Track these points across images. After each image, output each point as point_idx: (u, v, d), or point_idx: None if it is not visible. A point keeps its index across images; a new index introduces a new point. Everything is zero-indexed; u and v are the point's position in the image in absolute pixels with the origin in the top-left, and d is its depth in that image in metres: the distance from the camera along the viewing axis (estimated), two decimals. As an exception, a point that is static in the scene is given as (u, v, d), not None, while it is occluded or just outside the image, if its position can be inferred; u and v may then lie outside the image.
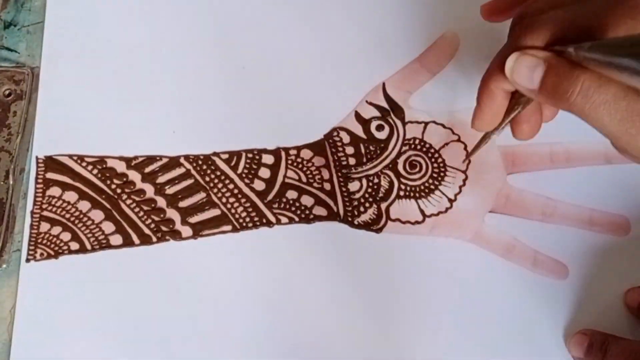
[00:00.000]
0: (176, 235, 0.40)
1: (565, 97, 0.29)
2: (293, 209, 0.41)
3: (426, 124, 0.42)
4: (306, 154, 0.42)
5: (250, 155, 0.41)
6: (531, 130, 0.35)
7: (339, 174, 0.41)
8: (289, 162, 0.41)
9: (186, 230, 0.40)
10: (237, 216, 0.40)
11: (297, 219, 0.40)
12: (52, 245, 0.39)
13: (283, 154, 0.41)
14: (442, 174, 0.41)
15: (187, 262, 0.40)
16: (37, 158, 0.41)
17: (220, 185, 0.41)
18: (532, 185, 0.41)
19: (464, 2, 0.44)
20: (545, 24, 0.30)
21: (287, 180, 0.41)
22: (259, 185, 0.41)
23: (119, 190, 0.41)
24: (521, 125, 0.35)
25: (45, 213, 0.40)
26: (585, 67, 0.28)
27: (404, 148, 0.42)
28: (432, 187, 0.41)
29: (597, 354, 0.37)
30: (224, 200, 0.41)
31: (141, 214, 0.40)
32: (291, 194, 0.41)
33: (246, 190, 0.41)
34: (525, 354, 0.39)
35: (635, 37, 0.26)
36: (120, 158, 0.41)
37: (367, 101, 0.42)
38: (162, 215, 0.40)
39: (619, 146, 0.30)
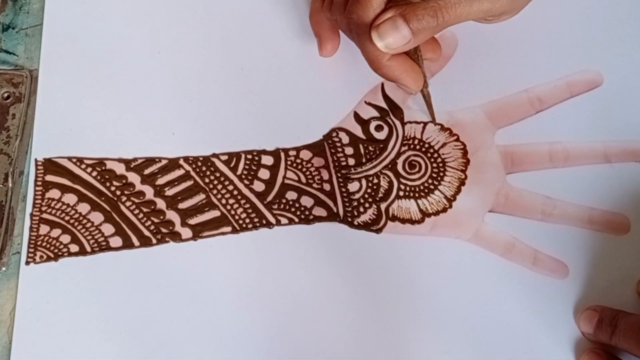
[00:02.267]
0: (176, 236, 0.40)
1: (435, 22, 0.33)
2: (293, 209, 0.41)
3: (425, 124, 0.42)
4: (305, 154, 0.42)
5: (249, 156, 0.41)
6: (437, 50, 0.39)
7: (339, 175, 0.41)
8: (289, 163, 0.41)
9: (186, 232, 0.40)
10: (236, 217, 0.40)
11: (296, 219, 0.40)
12: (52, 248, 0.39)
13: (282, 155, 0.41)
14: (441, 174, 0.41)
15: (187, 263, 0.40)
16: (36, 160, 0.41)
17: (219, 187, 0.41)
18: (532, 184, 0.41)
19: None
20: None
21: (286, 181, 0.41)
22: (259, 186, 0.41)
23: (118, 192, 0.41)
24: (428, 55, 0.39)
25: (44, 215, 0.40)
26: None
27: (403, 148, 0.42)
28: (432, 187, 0.41)
29: (606, 329, 0.37)
30: (223, 201, 0.41)
31: (141, 215, 0.40)
32: (291, 195, 0.41)
33: (246, 191, 0.41)
34: (525, 354, 0.39)
35: None
36: (120, 160, 0.41)
37: (366, 102, 0.42)
38: (161, 217, 0.40)
39: (491, 16, 0.35)
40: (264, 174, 0.41)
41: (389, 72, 0.37)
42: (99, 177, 0.41)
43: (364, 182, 0.41)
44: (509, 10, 0.36)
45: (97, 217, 0.40)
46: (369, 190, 0.41)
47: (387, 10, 0.34)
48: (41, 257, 0.39)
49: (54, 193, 0.40)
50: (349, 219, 0.40)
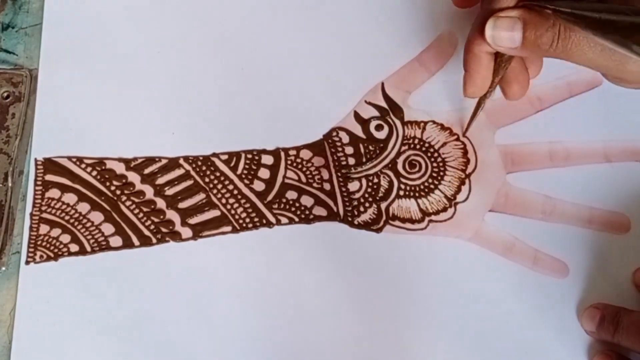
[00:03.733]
0: (176, 236, 0.40)
1: (547, 45, 0.31)
2: (293, 209, 0.41)
3: (425, 123, 0.42)
4: (306, 154, 0.42)
5: (249, 155, 0.41)
6: (521, 88, 0.37)
7: (339, 174, 0.41)
8: (289, 162, 0.41)
9: (186, 232, 0.40)
10: (237, 217, 0.40)
11: (297, 219, 0.40)
12: (52, 247, 0.39)
13: (282, 154, 0.41)
14: (441, 174, 0.41)
15: (187, 263, 0.40)
16: (36, 160, 0.41)
17: (219, 186, 0.41)
18: (532, 183, 0.41)
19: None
20: None
21: (286, 181, 0.41)
22: (259, 185, 0.41)
23: (118, 192, 0.40)
24: (511, 85, 0.37)
25: (44, 215, 0.40)
26: (556, 13, 0.30)
27: (404, 148, 0.42)
28: (432, 186, 0.41)
29: (609, 326, 0.37)
30: (223, 201, 0.41)
31: (141, 215, 0.40)
32: (291, 195, 0.41)
33: (246, 190, 0.41)
34: (525, 353, 0.39)
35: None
36: (120, 159, 0.41)
37: (366, 101, 0.42)
38: (161, 217, 0.40)
39: (611, 75, 0.33)
40: (264, 173, 0.41)
41: (470, 58, 0.36)
42: (98, 177, 0.41)
43: (364, 181, 0.41)
44: (626, 80, 0.33)
45: (97, 217, 0.40)
46: (369, 190, 0.41)
47: (516, 8, 0.33)
48: (41, 256, 0.39)
49: (54, 192, 0.40)
50: (349, 219, 0.40)
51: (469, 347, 0.39)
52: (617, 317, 0.37)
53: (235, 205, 0.40)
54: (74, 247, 0.40)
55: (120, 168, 0.41)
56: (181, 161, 0.41)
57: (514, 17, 0.32)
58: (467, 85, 0.37)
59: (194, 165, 0.41)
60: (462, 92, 0.38)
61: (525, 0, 0.32)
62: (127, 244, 0.40)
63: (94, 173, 0.41)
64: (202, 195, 0.41)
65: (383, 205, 0.41)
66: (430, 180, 0.41)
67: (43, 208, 0.40)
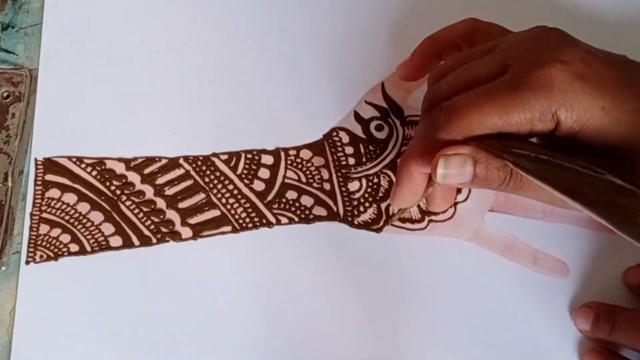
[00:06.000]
0: (176, 236, 0.40)
1: (498, 184, 0.31)
2: (293, 209, 0.41)
3: (425, 123, 0.42)
4: (305, 154, 0.42)
5: (249, 155, 0.41)
6: (445, 203, 0.39)
7: (339, 174, 0.41)
8: (289, 162, 0.41)
9: (186, 231, 0.40)
10: (236, 217, 0.40)
11: (297, 219, 0.40)
12: (52, 247, 0.39)
13: (282, 154, 0.41)
14: (441, 173, 0.41)
15: (187, 263, 0.40)
16: (36, 160, 0.41)
17: (219, 186, 0.41)
18: (532, 183, 0.41)
19: (462, 1, 0.44)
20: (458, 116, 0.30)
21: (286, 181, 0.41)
22: (259, 185, 0.41)
23: (118, 192, 0.40)
24: (436, 200, 0.38)
25: (44, 215, 0.40)
26: (502, 158, 0.30)
27: (404, 148, 0.42)
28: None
29: (604, 325, 0.37)
30: (223, 201, 0.41)
31: (141, 215, 0.40)
32: (291, 194, 0.41)
33: (246, 190, 0.41)
34: (525, 353, 0.39)
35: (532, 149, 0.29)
36: (120, 159, 0.41)
37: (366, 101, 0.42)
38: (161, 217, 0.40)
39: (560, 206, 0.34)
40: (264, 173, 0.41)
41: (406, 177, 0.35)
42: (98, 177, 0.41)
43: (364, 181, 0.41)
44: (565, 208, 0.34)
45: (97, 217, 0.40)
46: (369, 190, 0.41)
47: (464, 145, 0.31)
48: (41, 256, 0.39)
49: (54, 192, 0.40)
50: (349, 219, 0.40)
51: (468, 347, 0.39)
52: (613, 315, 0.37)
53: (235, 205, 0.40)
54: (74, 247, 0.40)
55: (120, 168, 0.41)
56: (181, 161, 0.41)
57: (464, 155, 0.31)
58: (395, 197, 0.36)
59: (194, 165, 0.41)
60: (389, 199, 0.39)
61: (472, 140, 0.30)
62: (127, 244, 0.40)
63: (94, 173, 0.41)
64: (202, 195, 0.41)
65: (383, 205, 0.41)
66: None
67: (43, 208, 0.40)
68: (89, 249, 0.40)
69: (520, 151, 0.29)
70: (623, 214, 0.27)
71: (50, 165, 0.41)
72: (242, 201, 0.41)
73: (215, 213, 0.40)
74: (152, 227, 0.40)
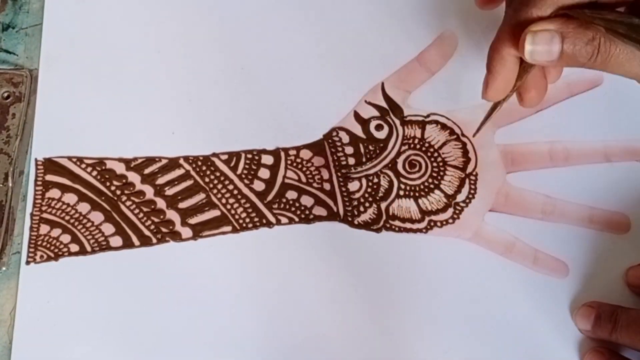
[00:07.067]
0: (176, 236, 0.40)
1: (586, 59, 0.31)
2: (293, 209, 0.41)
3: (425, 123, 0.42)
4: (305, 154, 0.42)
5: (249, 155, 0.41)
6: (539, 95, 0.36)
7: (339, 174, 0.41)
8: (289, 162, 0.41)
9: (186, 232, 0.40)
10: (237, 217, 0.40)
11: (297, 219, 0.40)
12: (52, 248, 0.39)
13: (282, 154, 0.41)
14: (441, 173, 0.41)
15: (187, 263, 0.40)
16: (36, 160, 0.41)
17: (219, 186, 0.41)
18: (532, 183, 0.41)
19: (462, 1, 0.44)
20: None
21: (286, 181, 0.41)
22: (259, 185, 0.41)
23: (118, 192, 0.41)
24: (530, 91, 0.36)
25: (44, 215, 0.40)
26: (594, 24, 0.30)
27: (404, 147, 0.42)
28: (432, 186, 0.41)
29: (606, 325, 0.37)
30: (223, 201, 0.41)
31: (141, 215, 0.40)
32: (291, 194, 0.41)
33: (246, 190, 0.41)
34: (526, 353, 0.39)
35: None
36: (120, 159, 0.41)
37: (366, 101, 0.42)
38: (161, 217, 0.40)
39: None
40: (264, 173, 0.41)
41: (496, 60, 0.34)
42: (99, 177, 0.41)
43: (364, 181, 0.41)
44: None
45: (97, 217, 0.40)
46: (369, 190, 0.41)
47: (552, 20, 0.31)
48: (41, 256, 0.39)
49: (54, 193, 0.40)
50: (349, 219, 0.40)
51: (468, 347, 0.39)
52: (615, 315, 0.37)
53: (235, 205, 0.41)
54: (74, 247, 0.40)
55: (120, 168, 0.41)
56: (181, 161, 0.41)
57: (552, 31, 0.31)
58: (489, 87, 0.35)
59: (194, 165, 0.41)
60: (482, 94, 0.36)
61: (563, 9, 0.31)
62: (128, 244, 0.40)
63: (94, 173, 0.41)
64: (202, 195, 0.41)
65: (383, 205, 0.41)
66: (430, 180, 0.41)
67: (43, 208, 0.40)
68: (89, 249, 0.40)
69: (612, 17, 0.29)
70: None
71: (50, 165, 0.41)
72: (242, 201, 0.41)
73: (215, 213, 0.40)
74: (152, 227, 0.40)
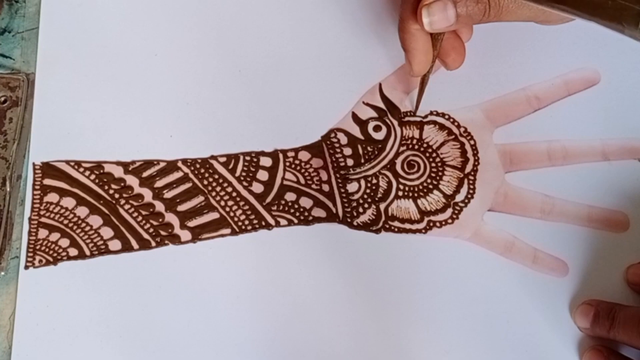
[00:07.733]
0: (175, 239, 0.40)
1: (480, 16, 0.34)
2: (292, 211, 0.41)
3: (423, 123, 0.42)
4: (304, 155, 0.42)
5: (248, 158, 0.41)
6: (459, 55, 0.40)
7: (337, 175, 0.41)
8: (287, 164, 0.41)
9: (185, 234, 0.40)
10: (236, 219, 0.40)
11: (296, 220, 0.40)
12: (51, 252, 0.39)
13: (281, 156, 0.41)
14: (440, 174, 0.41)
15: (186, 266, 0.40)
16: (34, 164, 0.41)
17: (218, 189, 0.41)
18: (530, 183, 0.41)
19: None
20: None
21: (285, 183, 0.41)
22: (258, 187, 0.41)
23: (117, 195, 0.40)
24: (449, 55, 0.39)
25: (43, 219, 0.40)
26: None
27: (402, 148, 0.42)
28: (431, 186, 0.41)
29: (604, 322, 0.37)
30: (222, 203, 0.40)
31: (139, 218, 0.40)
32: (290, 196, 0.41)
33: (244, 193, 0.41)
34: (526, 352, 0.39)
35: None
36: (118, 163, 0.41)
37: (363, 102, 0.42)
38: (160, 220, 0.40)
39: (542, 20, 0.36)
40: (263, 175, 0.41)
41: (408, 38, 0.37)
42: (97, 180, 0.41)
43: (362, 182, 0.41)
44: (551, 20, 0.37)
45: (95, 221, 0.40)
46: (368, 191, 0.41)
47: None
48: (40, 261, 0.39)
49: (52, 197, 0.40)
50: (348, 220, 0.40)
51: (469, 347, 0.39)
52: (613, 312, 0.37)
53: (234, 207, 0.40)
54: (73, 251, 0.39)
55: (118, 171, 0.41)
56: (179, 164, 0.41)
57: (444, 0, 0.34)
58: (412, 64, 0.38)
59: (192, 168, 0.41)
60: (408, 72, 0.39)
61: None
62: (126, 248, 0.40)
63: (93, 177, 0.41)
64: (200, 198, 0.41)
65: (382, 206, 0.41)
66: (429, 181, 0.41)
67: (42, 212, 0.40)
68: (88, 253, 0.40)
69: None
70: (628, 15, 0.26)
71: (48, 169, 0.41)
72: (241, 203, 0.41)
73: (214, 216, 0.40)
74: (151, 230, 0.40)
